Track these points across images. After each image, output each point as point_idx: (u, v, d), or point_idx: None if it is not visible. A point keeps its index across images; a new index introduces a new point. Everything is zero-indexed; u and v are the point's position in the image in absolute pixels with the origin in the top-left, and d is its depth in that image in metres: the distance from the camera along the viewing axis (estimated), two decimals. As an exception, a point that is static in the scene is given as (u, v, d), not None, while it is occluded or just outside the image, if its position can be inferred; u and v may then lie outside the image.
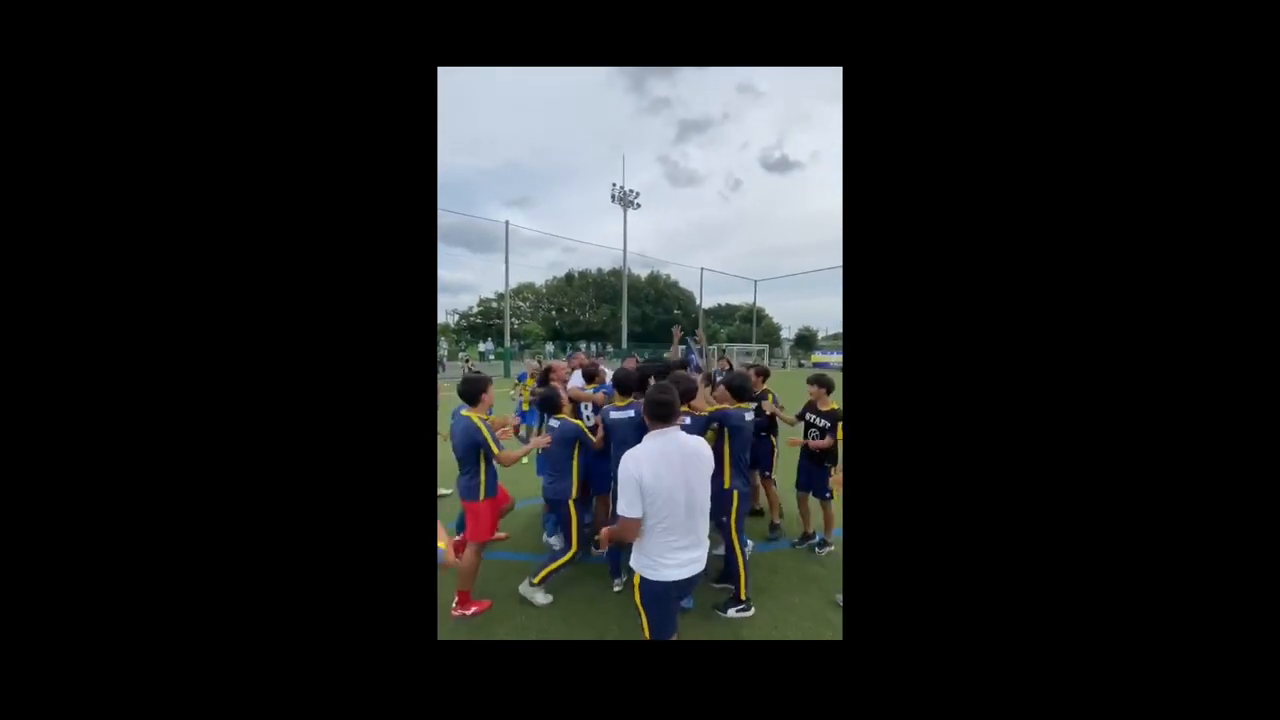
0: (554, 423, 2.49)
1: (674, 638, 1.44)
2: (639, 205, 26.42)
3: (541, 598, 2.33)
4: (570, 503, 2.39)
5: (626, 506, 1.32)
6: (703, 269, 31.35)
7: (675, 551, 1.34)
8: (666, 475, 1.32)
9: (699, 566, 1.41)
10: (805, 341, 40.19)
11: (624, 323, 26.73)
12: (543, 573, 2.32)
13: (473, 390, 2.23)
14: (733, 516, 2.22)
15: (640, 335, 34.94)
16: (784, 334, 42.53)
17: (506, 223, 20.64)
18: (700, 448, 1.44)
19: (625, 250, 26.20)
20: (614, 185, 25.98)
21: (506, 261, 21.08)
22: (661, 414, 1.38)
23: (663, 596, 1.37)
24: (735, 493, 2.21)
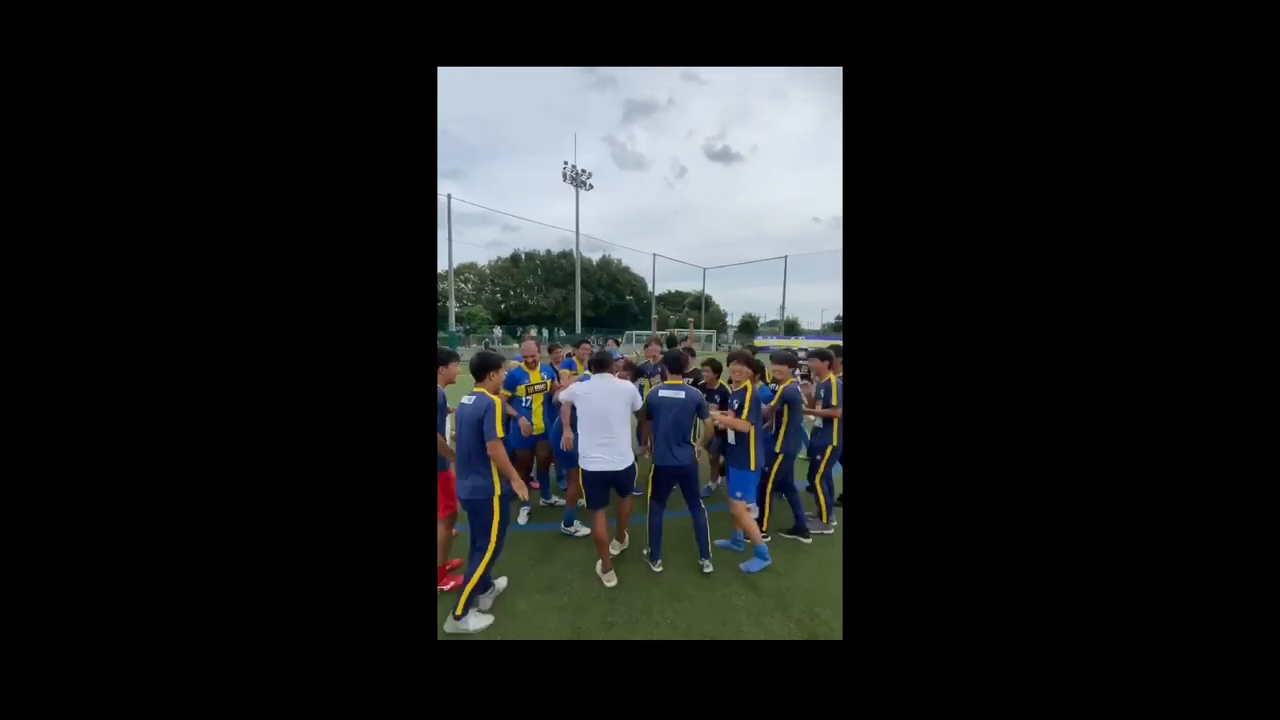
0: (468, 399, 1.95)
1: (602, 512, 2.34)
2: (591, 186, 25.88)
3: (475, 623, 1.96)
4: (495, 500, 1.94)
5: (570, 410, 2.51)
6: (655, 255, 31.75)
7: (597, 449, 2.26)
8: (594, 399, 2.27)
9: (613, 466, 2.26)
10: (747, 327, 42.49)
11: (578, 307, 26.33)
12: (462, 598, 1.91)
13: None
14: (773, 471, 2.74)
15: (593, 320, 34.60)
16: (729, 320, 44.59)
17: (449, 196, 19.24)
18: (621, 387, 2.33)
19: (578, 232, 25.65)
20: (566, 164, 25.16)
21: (450, 239, 19.75)
22: (599, 366, 2.37)
23: (590, 481, 2.31)
24: (782, 455, 2.72)
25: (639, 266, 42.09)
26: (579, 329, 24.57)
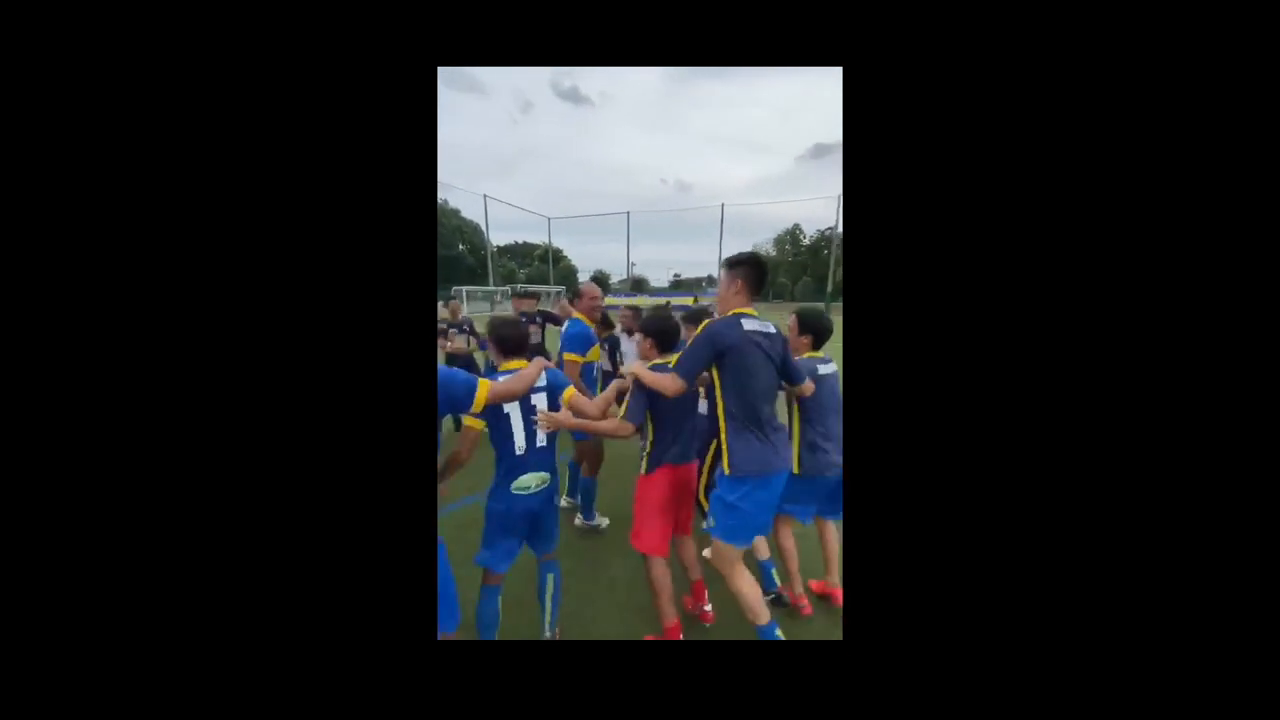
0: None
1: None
2: (384, 92, 19.51)
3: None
4: None
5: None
6: (486, 196, 26.38)
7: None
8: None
9: None
10: (599, 283, 41.78)
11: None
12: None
13: None
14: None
15: (411, 272, 28.20)
16: (580, 276, 43.01)
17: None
18: None
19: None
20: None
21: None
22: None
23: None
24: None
25: (472, 211, 36.01)
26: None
